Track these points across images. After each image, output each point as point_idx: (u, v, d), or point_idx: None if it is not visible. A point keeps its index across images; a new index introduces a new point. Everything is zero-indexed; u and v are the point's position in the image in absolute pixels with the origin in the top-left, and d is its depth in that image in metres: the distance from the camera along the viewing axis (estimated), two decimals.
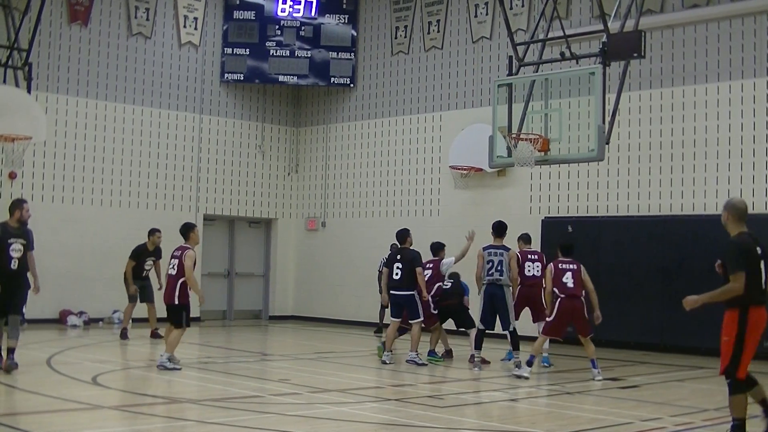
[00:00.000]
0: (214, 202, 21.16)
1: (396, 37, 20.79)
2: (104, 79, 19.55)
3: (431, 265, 13.78)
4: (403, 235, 13.44)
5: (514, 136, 14.19)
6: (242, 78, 21.31)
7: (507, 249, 12.95)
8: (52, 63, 18.79)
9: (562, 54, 14.25)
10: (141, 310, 16.44)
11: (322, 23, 21.44)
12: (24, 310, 11.21)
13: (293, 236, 22.58)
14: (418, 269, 13.06)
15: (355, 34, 21.52)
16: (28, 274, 11.18)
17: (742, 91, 15.48)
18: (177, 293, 11.87)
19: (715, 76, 15.78)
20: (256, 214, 22.03)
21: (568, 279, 11.95)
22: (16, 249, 10.85)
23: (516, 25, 17.73)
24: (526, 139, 14.05)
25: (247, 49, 21.23)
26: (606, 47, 13.47)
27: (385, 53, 21.00)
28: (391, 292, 13.21)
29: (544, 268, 13.57)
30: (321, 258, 21.84)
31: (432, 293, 13.53)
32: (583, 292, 12.06)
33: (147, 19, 20.11)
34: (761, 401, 7.70)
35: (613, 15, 14.46)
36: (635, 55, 13.38)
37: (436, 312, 13.70)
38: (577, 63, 14.50)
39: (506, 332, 13.36)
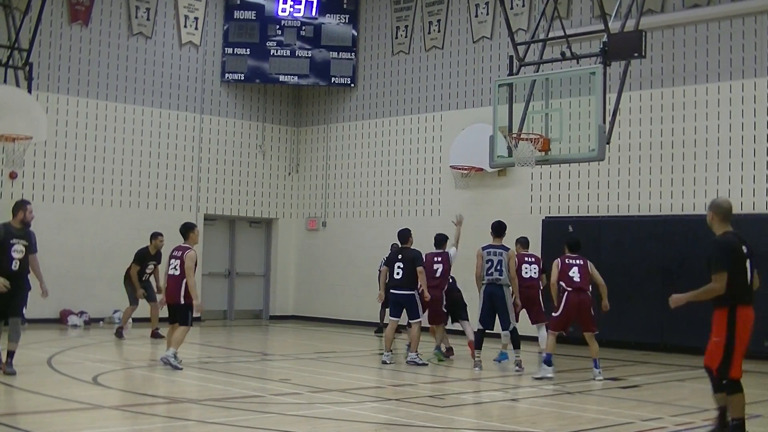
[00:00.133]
0: (214, 202, 21.16)
1: (396, 37, 20.79)
2: (105, 79, 19.55)
3: (440, 259, 13.70)
4: (405, 234, 13.45)
5: (514, 135, 14.19)
6: (243, 78, 21.31)
7: (506, 249, 12.95)
8: (53, 63, 18.80)
9: (563, 54, 14.25)
10: (141, 310, 16.45)
11: (323, 23, 21.44)
12: (24, 311, 11.13)
13: (294, 236, 22.59)
14: (419, 269, 13.06)
15: (355, 34, 21.52)
16: (29, 277, 11.12)
17: (742, 91, 15.48)
18: (182, 293, 11.96)
19: (715, 76, 15.78)
20: (256, 214, 22.03)
21: (574, 273, 11.98)
22: (17, 250, 10.72)
23: (516, 24, 17.72)
24: (526, 139, 14.05)
25: (248, 49, 21.23)
26: (606, 47, 13.47)
27: (386, 53, 21.00)
28: (392, 291, 13.21)
29: (541, 271, 13.82)
30: (321, 258, 21.84)
31: (445, 288, 13.67)
32: (590, 287, 12.12)
33: (147, 19, 20.11)
34: (723, 408, 7.69)
35: (613, 15, 14.46)
36: (636, 55, 13.38)
37: (445, 309, 13.76)
38: (578, 63, 14.50)
39: (504, 332, 13.39)
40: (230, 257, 22.04)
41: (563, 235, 16.18)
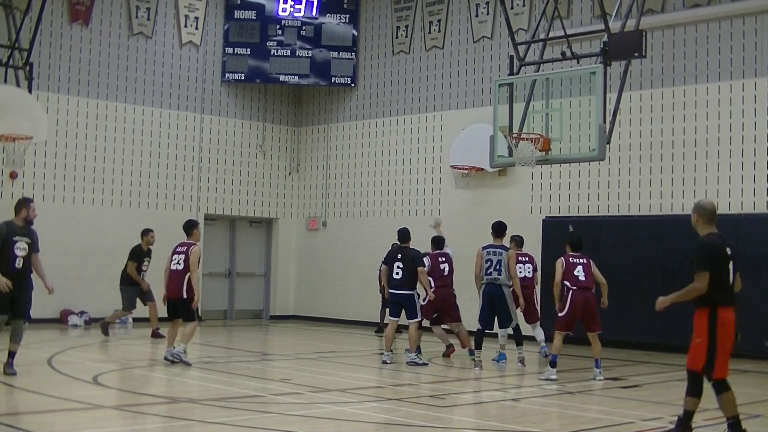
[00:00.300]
0: (215, 202, 21.16)
1: (397, 37, 20.79)
2: (105, 78, 19.56)
3: (444, 258, 13.83)
4: (406, 234, 13.45)
5: (515, 135, 14.19)
6: (243, 78, 21.31)
7: (506, 249, 13.00)
8: (53, 63, 18.80)
9: (563, 54, 14.25)
10: (142, 310, 16.45)
11: (323, 23, 21.44)
12: (30, 312, 11.05)
13: (294, 236, 22.59)
14: (420, 269, 13.07)
15: (356, 33, 21.52)
16: (32, 276, 11.09)
17: (742, 91, 15.48)
18: (185, 287, 12.15)
19: (716, 75, 15.78)
20: (257, 213, 22.03)
21: (579, 272, 11.98)
22: (21, 248, 10.64)
23: (517, 24, 17.72)
24: (527, 139, 14.05)
25: (248, 49, 21.23)
26: (607, 47, 13.47)
27: (386, 53, 21.00)
28: (391, 291, 13.21)
29: (534, 270, 14.01)
30: (322, 258, 21.84)
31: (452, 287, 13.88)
32: (594, 286, 12.14)
33: (148, 19, 20.11)
34: (688, 412, 7.69)
35: (614, 15, 14.46)
36: (636, 54, 13.38)
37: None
38: (578, 63, 14.50)
39: (502, 333, 13.43)
40: (230, 257, 22.05)
41: (563, 235, 16.19)
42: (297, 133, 22.75)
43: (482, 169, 17.70)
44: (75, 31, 19.15)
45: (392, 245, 13.67)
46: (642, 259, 16.10)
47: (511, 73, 15.05)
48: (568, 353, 14.50)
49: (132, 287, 16.03)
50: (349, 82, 21.46)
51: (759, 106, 15.29)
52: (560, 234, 16.30)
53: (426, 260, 13.48)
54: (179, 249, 12.38)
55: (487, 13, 19.00)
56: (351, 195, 21.45)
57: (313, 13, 21.41)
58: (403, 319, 13.34)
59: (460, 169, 18.43)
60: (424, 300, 13.60)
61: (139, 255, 16.06)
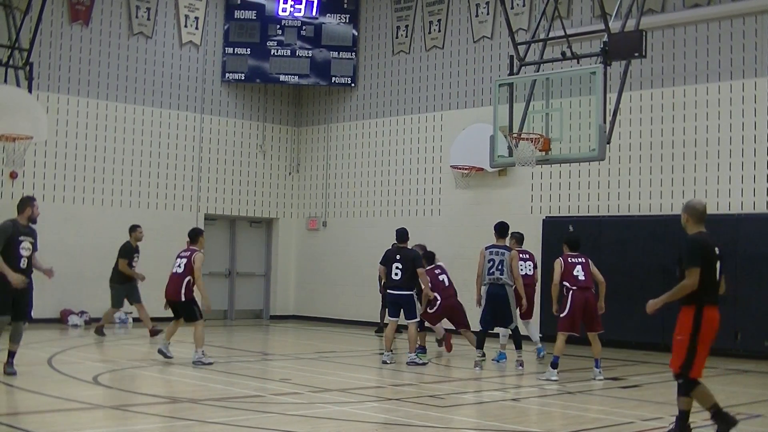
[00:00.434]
0: (215, 202, 21.16)
1: (397, 37, 20.79)
2: (105, 78, 19.56)
3: (440, 270, 14.05)
4: (404, 234, 13.43)
5: (515, 135, 14.20)
6: (243, 78, 21.31)
7: (509, 249, 13.02)
8: (53, 63, 18.80)
9: (563, 54, 14.26)
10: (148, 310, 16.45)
11: (323, 23, 21.44)
12: (31, 313, 11.02)
13: (294, 236, 22.59)
14: (420, 270, 13.07)
15: (356, 33, 21.52)
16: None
17: (742, 91, 15.47)
18: (183, 290, 12.36)
19: (716, 75, 15.78)
20: (257, 213, 22.03)
21: (579, 272, 11.94)
22: (25, 248, 10.59)
23: (517, 24, 17.72)
24: (527, 139, 14.05)
25: (248, 49, 21.23)
26: (607, 47, 13.47)
27: (386, 53, 21.00)
28: (390, 291, 13.17)
29: (534, 267, 14.04)
30: (322, 258, 21.84)
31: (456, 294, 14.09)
32: (593, 285, 12.12)
33: (148, 19, 20.11)
34: (684, 412, 7.70)
35: (614, 15, 14.47)
36: (636, 54, 13.38)
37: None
38: (578, 63, 14.50)
39: (503, 333, 13.44)
40: (231, 257, 22.05)
41: (564, 235, 16.18)
42: (297, 133, 22.75)
43: (482, 169, 17.70)
44: (75, 31, 19.15)
45: (392, 245, 13.68)
46: (642, 259, 16.09)
47: (511, 73, 15.05)
48: (568, 353, 14.49)
49: (122, 285, 16.10)
50: (349, 82, 21.46)
51: (759, 106, 15.28)
52: (560, 234, 16.24)
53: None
54: (183, 254, 12.65)
55: (487, 13, 19.00)
56: (351, 195, 21.45)
57: (313, 13, 21.41)
58: (401, 319, 13.35)
59: (460, 169, 18.43)
60: (431, 308, 13.67)
61: (130, 251, 16.18)
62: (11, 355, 10.77)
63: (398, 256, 13.11)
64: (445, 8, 19.82)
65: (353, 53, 21.49)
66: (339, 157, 21.83)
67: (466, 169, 18.32)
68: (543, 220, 17.49)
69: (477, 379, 12.06)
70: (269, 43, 21.26)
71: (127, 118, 19.80)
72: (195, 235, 12.91)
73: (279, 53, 21.27)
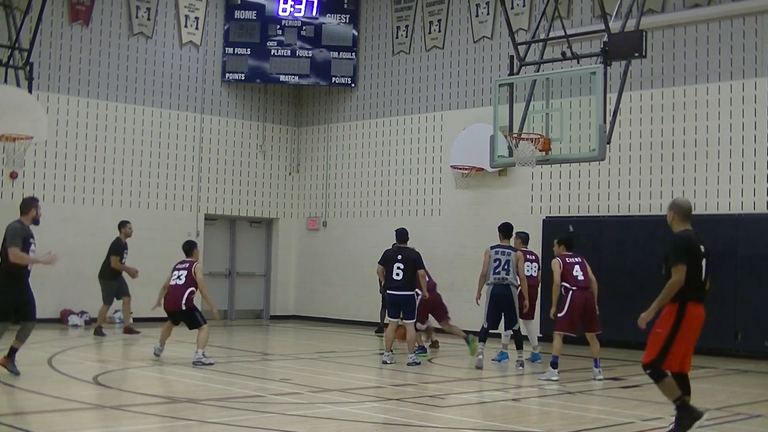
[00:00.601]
0: (215, 202, 21.16)
1: (397, 37, 20.78)
2: (105, 78, 19.55)
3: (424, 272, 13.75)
4: (405, 234, 13.43)
5: (515, 135, 14.20)
6: (243, 78, 21.31)
7: (514, 250, 13.07)
8: (53, 63, 18.80)
9: (563, 54, 14.26)
10: (140, 311, 16.43)
11: (323, 23, 21.43)
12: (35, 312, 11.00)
13: (294, 236, 22.59)
14: (421, 271, 13.08)
15: (356, 33, 21.52)
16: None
17: (742, 91, 15.47)
18: (184, 300, 12.62)
19: (716, 76, 15.78)
20: (257, 213, 22.03)
21: (578, 272, 11.91)
22: (33, 250, 10.61)
23: (517, 24, 17.72)
24: (527, 139, 14.06)
25: (248, 49, 21.23)
26: (607, 47, 13.47)
27: (386, 53, 21.00)
28: (391, 292, 13.13)
29: (539, 269, 14.00)
30: (322, 258, 21.84)
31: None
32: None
33: (148, 19, 20.11)
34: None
35: (614, 15, 14.47)
36: (636, 54, 13.38)
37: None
38: (578, 63, 14.50)
39: (506, 332, 13.44)
40: (231, 257, 22.04)
41: (559, 234, 16.17)
42: (297, 133, 22.74)
43: (482, 169, 17.70)
44: (75, 31, 19.14)
45: (392, 245, 13.68)
46: (642, 259, 16.08)
47: (511, 73, 15.05)
48: (569, 353, 14.50)
49: (113, 281, 16.21)
50: (349, 82, 21.46)
51: (759, 106, 15.28)
52: (561, 234, 16.28)
53: None
54: (180, 266, 12.87)
55: (488, 13, 19.00)
56: (351, 195, 21.45)
57: (313, 13, 21.41)
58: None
59: (460, 169, 18.43)
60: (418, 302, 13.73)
61: (120, 248, 16.33)
62: (13, 351, 10.66)
63: (400, 257, 13.10)
64: (445, 8, 19.81)
65: (353, 53, 21.49)
66: (339, 157, 21.83)
67: (466, 169, 18.32)
68: (543, 220, 17.49)
69: (477, 379, 12.06)
70: (269, 43, 21.26)
71: (127, 118, 19.80)
72: (190, 248, 13.18)
73: (279, 53, 21.27)
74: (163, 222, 19.68)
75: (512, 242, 13.50)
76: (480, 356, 12.70)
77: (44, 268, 11.23)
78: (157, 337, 13.24)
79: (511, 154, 14.30)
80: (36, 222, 10.80)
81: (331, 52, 21.42)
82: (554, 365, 11.70)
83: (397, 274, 13.01)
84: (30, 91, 16.67)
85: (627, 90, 14.84)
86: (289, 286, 22.50)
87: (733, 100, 15.56)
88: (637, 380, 12.04)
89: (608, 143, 13.59)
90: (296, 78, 21.38)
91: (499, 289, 12.78)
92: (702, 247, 7.66)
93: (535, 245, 16.40)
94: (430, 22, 20.09)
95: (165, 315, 12.99)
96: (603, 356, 12.27)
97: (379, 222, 20.47)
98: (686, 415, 7.56)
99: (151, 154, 20.13)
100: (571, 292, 11.83)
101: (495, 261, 12.83)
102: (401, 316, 13.07)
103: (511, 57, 15.02)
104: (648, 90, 16.51)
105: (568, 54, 14.14)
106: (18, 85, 16.58)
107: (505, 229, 13.24)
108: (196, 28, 20.88)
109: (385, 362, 13.01)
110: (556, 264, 12.03)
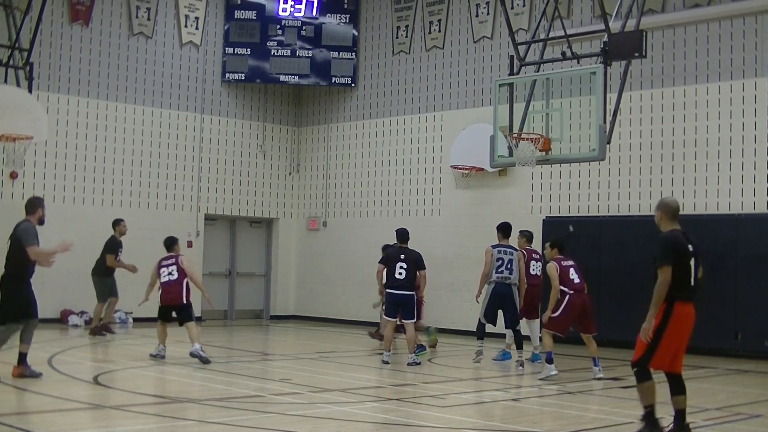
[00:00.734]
0: (215, 202, 21.16)
1: (397, 37, 20.78)
2: (105, 78, 19.55)
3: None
4: (406, 234, 13.44)
5: (515, 135, 14.20)
6: (243, 78, 21.31)
7: (515, 249, 13.09)
8: (53, 63, 18.80)
9: (564, 54, 14.25)
10: (147, 310, 16.42)
11: (324, 23, 21.43)
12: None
13: (294, 236, 22.59)
14: (423, 272, 13.10)
15: (356, 33, 21.52)
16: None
17: (742, 91, 15.47)
18: (184, 294, 12.76)
19: (716, 75, 15.78)
20: (257, 213, 22.03)
21: (573, 274, 11.92)
22: None
23: (517, 24, 17.72)
24: (527, 139, 14.06)
25: (248, 49, 21.23)
26: (607, 47, 13.47)
27: (387, 53, 21.00)
28: (392, 291, 13.10)
29: (543, 269, 13.83)
30: (322, 258, 21.84)
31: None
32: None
33: (148, 19, 20.11)
34: (680, 410, 7.72)
35: (614, 15, 14.47)
36: (636, 54, 13.38)
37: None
38: (579, 63, 14.50)
39: (509, 332, 13.45)
40: (231, 257, 22.04)
41: (565, 235, 16.19)
42: (297, 133, 22.74)
43: (482, 169, 17.69)
44: (75, 31, 19.14)
45: (393, 245, 13.67)
46: (642, 259, 16.02)
47: (511, 73, 15.05)
48: (569, 353, 14.50)
49: (107, 278, 16.22)
50: (349, 82, 21.46)
51: (759, 106, 15.28)
52: (561, 234, 16.29)
53: None
54: (165, 262, 13.01)
55: (488, 13, 19.00)
56: (351, 195, 21.44)
57: (314, 13, 21.41)
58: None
59: (460, 169, 18.43)
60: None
61: (115, 246, 16.36)
62: (23, 356, 10.52)
63: (402, 256, 13.11)
64: (445, 8, 19.81)
65: (353, 53, 21.49)
66: (339, 157, 21.83)
67: (466, 169, 18.32)
68: (543, 220, 17.49)
69: (477, 379, 12.06)
70: (269, 43, 21.26)
71: (127, 118, 19.80)
72: (171, 244, 13.38)
73: (279, 53, 21.27)
74: (163, 222, 19.66)
75: (516, 241, 13.53)
76: (480, 356, 12.68)
77: (43, 268, 11.18)
78: (155, 337, 13.22)
79: (511, 154, 14.30)
80: (41, 222, 10.80)
81: (331, 52, 21.42)
82: (550, 361, 11.72)
83: (400, 274, 13.01)
84: (30, 91, 16.67)
85: (627, 90, 14.84)
86: (289, 286, 22.50)
87: (733, 100, 15.56)
88: None
89: (608, 143, 13.59)
90: (296, 78, 21.38)
91: (501, 288, 12.80)
92: (690, 246, 7.63)
93: (535, 245, 16.36)
94: (430, 22, 20.09)
95: (154, 313, 13.05)
96: (603, 356, 12.28)
97: (379, 222, 20.47)
98: (650, 425, 7.60)
99: (151, 154, 20.12)
100: (569, 295, 11.82)
101: (498, 260, 12.85)
102: (400, 315, 13.09)
103: (511, 57, 15.02)
104: (648, 90, 16.51)
105: (568, 54, 14.14)
106: (18, 85, 16.58)
107: (505, 229, 13.27)
108: (196, 28, 20.88)
109: (385, 362, 13.01)
110: (552, 268, 11.98)
